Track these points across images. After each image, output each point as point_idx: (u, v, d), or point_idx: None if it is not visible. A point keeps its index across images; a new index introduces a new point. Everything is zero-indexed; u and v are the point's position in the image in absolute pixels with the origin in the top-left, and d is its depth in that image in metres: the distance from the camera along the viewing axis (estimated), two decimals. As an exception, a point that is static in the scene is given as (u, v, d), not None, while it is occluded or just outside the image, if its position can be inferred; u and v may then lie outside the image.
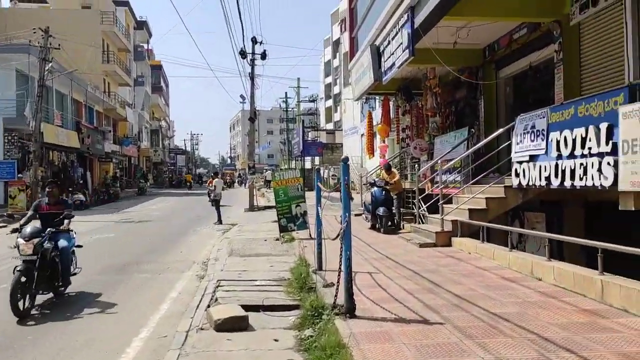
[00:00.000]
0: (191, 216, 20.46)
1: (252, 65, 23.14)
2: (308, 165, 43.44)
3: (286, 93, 52.18)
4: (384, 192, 12.14)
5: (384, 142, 17.30)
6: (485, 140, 10.23)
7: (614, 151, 6.28)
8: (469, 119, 14.11)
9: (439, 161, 10.39)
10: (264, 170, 54.17)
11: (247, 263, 8.96)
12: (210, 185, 21.43)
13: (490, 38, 12.69)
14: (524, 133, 8.62)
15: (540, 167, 8.02)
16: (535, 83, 12.99)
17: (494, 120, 13.45)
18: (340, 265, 4.99)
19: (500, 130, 9.67)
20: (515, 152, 8.89)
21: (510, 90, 13.56)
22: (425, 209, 11.39)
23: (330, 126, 58.78)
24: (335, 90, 59.08)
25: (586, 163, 6.82)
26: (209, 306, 6.03)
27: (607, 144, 6.42)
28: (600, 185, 6.52)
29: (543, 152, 7.98)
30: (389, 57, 12.31)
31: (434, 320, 4.67)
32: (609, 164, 6.35)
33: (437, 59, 13.22)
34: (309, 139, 41.27)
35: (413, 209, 14.13)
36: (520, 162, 8.68)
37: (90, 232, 15.58)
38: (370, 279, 6.62)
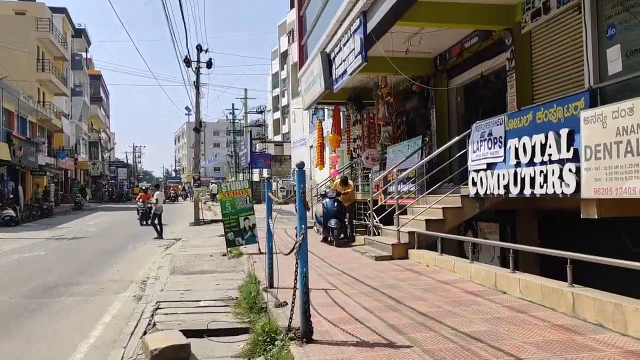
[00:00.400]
0: (131, 232, 19.34)
1: (197, 73, 22.35)
2: (256, 177, 42.69)
3: (233, 104, 51.33)
4: (335, 203, 11.70)
5: (334, 152, 16.91)
6: (441, 149, 9.99)
7: (576, 157, 6.07)
8: (420, 129, 13.93)
9: (394, 170, 10.05)
10: (210, 183, 52.79)
11: (191, 281, 8.25)
12: (141, 200, 20.65)
13: (442, 47, 12.58)
14: (481, 141, 8.39)
15: (498, 175, 7.78)
16: (487, 92, 12.95)
17: (446, 130, 13.32)
18: (295, 283, 4.45)
19: (457, 137, 9.44)
20: (472, 161, 8.64)
21: (462, 100, 13.49)
22: (377, 220, 11.02)
23: (278, 138, 58.27)
24: (284, 102, 58.74)
25: (546, 170, 6.60)
26: (145, 333, 5.34)
27: (568, 150, 6.21)
28: (562, 193, 6.30)
29: (501, 159, 7.75)
30: (341, 64, 11.95)
31: (400, 342, 4.19)
32: (570, 170, 6.13)
33: (388, 68, 13.01)
34: (257, 150, 40.57)
35: (365, 221, 13.79)
36: (478, 171, 8.43)
37: (17, 250, 14.34)
38: (327, 296, 6.10)
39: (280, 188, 38.11)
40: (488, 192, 8.11)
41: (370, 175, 14.92)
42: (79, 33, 56.61)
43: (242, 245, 10.93)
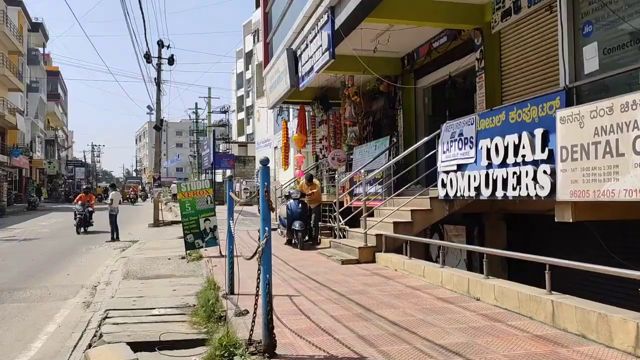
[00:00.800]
0: (86, 233, 18.45)
1: (158, 69, 21.59)
2: (219, 178, 41.92)
3: (196, 104, 50.14)
4: (300, 204, 11.31)
5: (299, 152, 16.54)
6: (410, 149, 9.73)
7: (551, 159, 5.87)
8: (387, 130, 13.71)
9: (362, 171, 9.73)
10: (172, 184, 51.48)
11: (146, 287, 7.71)
12: (79, 202, 18.54)
13: (410, 46, 12.37)
14: (451, 141, 8.15)
15: (469, 176, 7.55)
16: (455, 93, 12.82)
17: (413, 131, 13.13)
18: (258, 290, 4.03)
19: (426, 138, 9.20)
20: (442, 162, 8.40)
21: (429, 101, 13.32)
22: (343, 223, 10.68)
23: (242, 139, 57.45)
24: (248, 102, 57.93)
25: (520, 172, 6.39)
26: (89, 346, 4.83)
27: (542, 151, 6.00)
28: (536, 195, 6.08)
29: (472, 160, 7.52)
30: (307, 61, 11.59)
31: (373, 357, 3.83)
32: (545, 172, 5.92)
33: (356, 67, 12.73)
34: (221, 151, 39.82)
35: (330, 223, 13.45)
36: (447, 172, 8.19)
37: (-40, 252, 13.40)
38: (291, 303, 5.70)
39: (244, 189, 37.47)
40: (458, 194, 7.87)
41: (335, 176, 14.61)
42: (36, 27, 54.44)
43: (202, 248, 10.41)
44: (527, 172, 6.24)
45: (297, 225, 10.98)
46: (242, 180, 38.39)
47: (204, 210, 10.20)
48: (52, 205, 43.39)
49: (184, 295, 6.93)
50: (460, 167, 7.83)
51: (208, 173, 40.20)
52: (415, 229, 8.70)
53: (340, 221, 10.58)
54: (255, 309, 4.12)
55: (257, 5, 47.06)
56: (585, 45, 6.30)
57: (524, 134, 6.30)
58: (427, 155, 8.97)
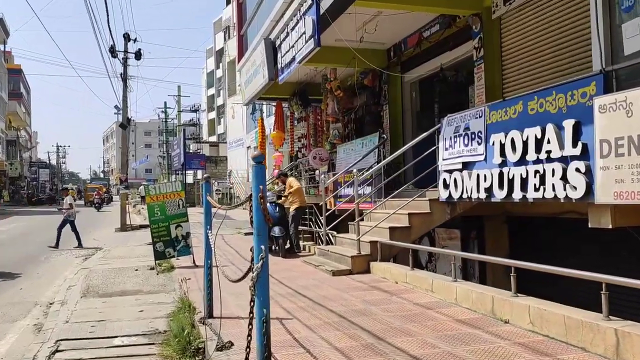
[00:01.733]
0: (47, 239, 17.04)
1: (125, 64, 20.27)
2: (190, 179, 40.54)
3: (165, 102, 48.35)
4: (277, 208, 10.31)
5: (278, 151, 15.47)
6: (407, 145, 8.83)
7: (585, 155, 5.04)
8: (370, 127, 12.85)
9: (354, 170, 8.79)
10: (140, 185, 49.56)
11: (108, 307, 6.62)
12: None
13: (398, 36, 11.50)
14: (455, 136, 7.29)
15: (478, 176, 6.69)
16: (446, 87, 12.02)
17: (400, 128, 12.29)
18: (250, 330, 3.05)
19: (425, 134, 8.32)
20: (444, 160, 7.53)
21: (417, 96, 12.49)
22: (328, 228, 9.73)
23: (213, 139, 55.99)
24: (219, 101, 56.49)
25: (544, 170, 5.55)
26: (29, 397, 3.78)
27: (574, 145, 5.17)
28: (566, 197, 5.25)
29: (482, 158, 6.66)
30: (288, 51, 10.61)
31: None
32: (578, 170, 5.09)
33: (339, 59, 11.85)
34: (191, 151, 38.45)
35: (311, 228, 12.51)
36: (451, 171, 7.33)
37: None
38: (284, 330, 4.72)
39: (216, 190, 36.18)
40: (464, 196, 7.01)
41: (317, 177, 13.65)
42: (-6, 22, 51.88)
43: (174, 258, 9.34)
44: (553, 170, 5.40)
45: (276, 231, 9.98)
46: (213, 181, 37.11)
47: (175, 216, 9.13)
48: (13, 208, 41.23)
49: (152, 317, 5.89)
50: (467, 166, 6.98)
51: (178, 174, 38.76)
52: (414, 235, 7.82)
53: (325, 226, 9.62)
54: (248, 353, 3.13)
55: (228, 2, 45.73)
56: (625, 22, 5.50)
57: (549, 127, 5.47)
58: (426, 153, 8.09)
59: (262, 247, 2.92)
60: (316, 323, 4.92)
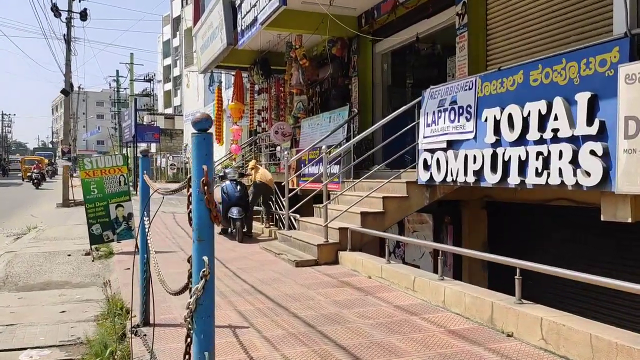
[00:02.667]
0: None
1: (69, 24, 18.47)
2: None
3: (117, 71, 45.88)
4: (238, 187, 9.27)
5: (236, 124, 14.27)
6: (385, 119, 7.80)
7: (603, 134, 4.23)
8: (337, 102, 11.90)
9: (323, 147, 7.78)
10: (91, 157, 47.02)
11: (24, 305, 5.49)
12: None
13: (370, 1, 10.48)
14: (439, 111, 6.40)
15: (466, 156, 5.84)
16: (419, 60, 11.17)
17: (370, 103, 11.33)
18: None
19: (404, 107, 7.40)
20: (425, 137, 6.65)
21: (388, 68, 11.55)
22: (288, 211, 8.75)
23: (170, 112, 53.82)
24: (176, 72, 54.17)
25: (548, 151, 4.73)
26: None
27: (589, 123, 4.34)
28: (576, 183, 4.45)
29: (471, 136, 5.80)
30: (249, 10, 9.48)
31: None
32: (593, 153, 4.28)
33: (305, 24, 10.77)
34: (145, 123, 36.57)
35: (271, 209, 11.51)
36: (433, 151, 6.45)
37: None
38: (237, 343, 3.77)
39: (171, 165, 34.67)
40: (448, 179, 6.16)
41: (278, 153, 12.61)
42: None
43: (114, 242, 8.20)
44: (560, 152, 4.58)
45: (235, 212, 8.95)
46: (168, 154, 35.48)
47: (116, 194, 7.97)
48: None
49: (76, 320, 4.82)
50: (452, 145, 6.11)
51: (129, 146, 36.81)
52: (388, 222, 6.96)
53: (287, 209, 8.65)
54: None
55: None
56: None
57: (557, 101, 4.63)
58: (405, 129, 7.18)
59: (205, 259, 1.93)
60: (279, 334, 3.98)
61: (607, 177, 4.18)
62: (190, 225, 2.10)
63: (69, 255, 8.24)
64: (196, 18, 14.74)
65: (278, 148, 12.58)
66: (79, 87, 59.44)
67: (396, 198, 6.90)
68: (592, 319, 3.61)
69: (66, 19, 18.25)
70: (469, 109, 5.88)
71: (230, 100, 14.78)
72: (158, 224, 10.80)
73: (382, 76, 11.49)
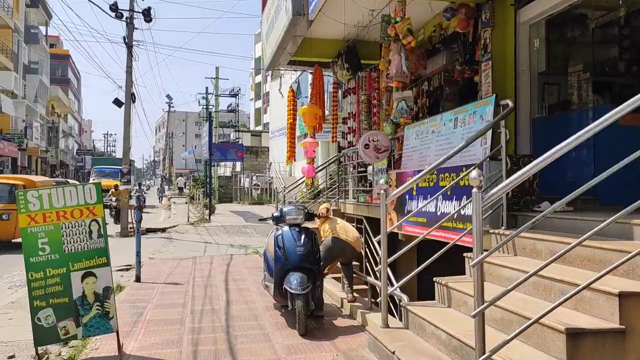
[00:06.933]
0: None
1: (130, 25, 16.02)
2: (226, 172, 36.65)
3: (207, 88, 44.41)
4: (303, 236, 5.54)
5: (312, 136, 10.36)
6: (599, 123, 3.70)
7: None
8: (452, 104, 8.03)
9: (473, 174, 3.84)
10: (179, 177, 46.13)
11: None
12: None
13: None
14: None
15: None
16: (591, 33, 7.03)
17: (511, 101, 7.21)
18: None
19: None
20: None
21: (542, 47, 7.43)
22: (383, 285, 4.84)
23: (259, 129, 52.16)
24: (266, 88, 52.55)
25: None
26: None
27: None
28: None
29: None
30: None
31: None
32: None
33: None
34: (228, 140, 34.40)
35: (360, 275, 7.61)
36: None
37: None
38: None
39: (254, 185, 31.95)
40: None
41: (370, 176, 8.71)
42: (36, 3, 49.63)
43: (76, 339, 4.72)
44: None
45: (294, 282, 5.20)
46: (252, 174, 32.86)
47: (83, 254, 4.52)
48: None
49: None
50: None
51: (218, 165, 34.72)
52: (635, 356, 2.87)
53: (384, 279, 4.75)
54: None
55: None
56: None
57: None
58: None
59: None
60: None
61: None
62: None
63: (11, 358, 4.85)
64: (264, 3, 11.38)
65: (370, 168, 8.72)
66: (169, 104, 59.71)
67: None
68: None
69: (127, 18, 15.81)
70: None
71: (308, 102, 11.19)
72: (198, 274, 7.37)
73: (529, 58, 7.37)
